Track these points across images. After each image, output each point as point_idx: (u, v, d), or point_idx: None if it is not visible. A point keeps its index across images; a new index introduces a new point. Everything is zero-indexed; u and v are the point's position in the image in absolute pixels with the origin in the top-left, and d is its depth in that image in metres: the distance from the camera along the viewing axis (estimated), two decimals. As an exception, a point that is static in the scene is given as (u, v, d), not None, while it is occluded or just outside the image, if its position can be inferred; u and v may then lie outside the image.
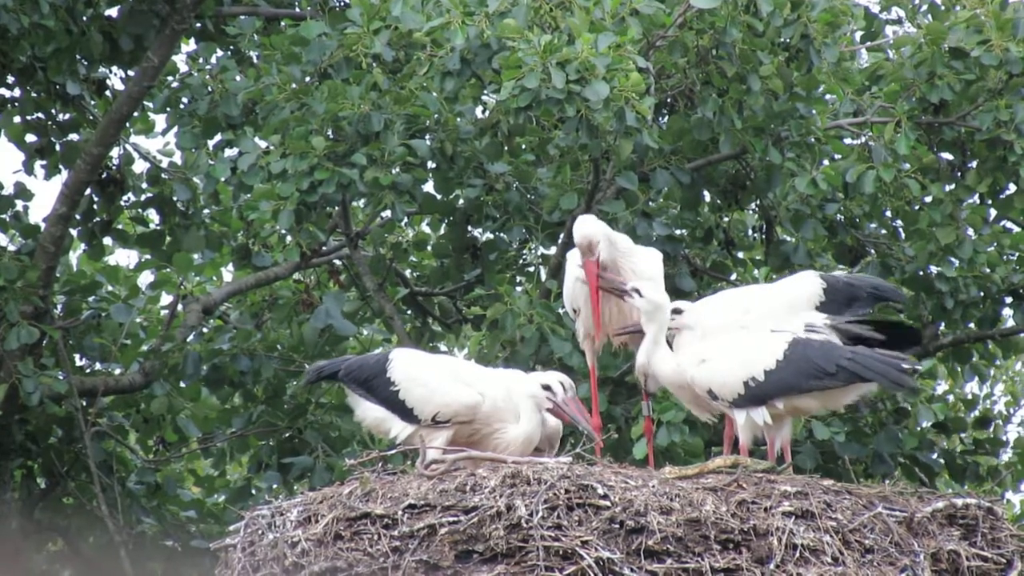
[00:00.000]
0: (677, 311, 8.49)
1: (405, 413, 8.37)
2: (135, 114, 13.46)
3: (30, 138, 13.58)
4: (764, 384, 8.03)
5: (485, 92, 11.62)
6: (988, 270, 12.29)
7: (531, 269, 12.73)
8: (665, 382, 8.45)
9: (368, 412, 8.50)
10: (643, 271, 8.73)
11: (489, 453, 8.07)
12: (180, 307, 13.58)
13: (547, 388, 8.38)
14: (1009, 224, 12.92)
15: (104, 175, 13.53)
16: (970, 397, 14.89)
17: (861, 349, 8.06)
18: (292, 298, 13.67)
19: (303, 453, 12.96)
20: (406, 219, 13.31)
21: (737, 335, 8.30)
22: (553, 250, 12.18)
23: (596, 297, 8.63)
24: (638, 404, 10.92)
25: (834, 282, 8.57)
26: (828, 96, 12.14)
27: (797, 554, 7.56)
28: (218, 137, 12.13)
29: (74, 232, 13.53)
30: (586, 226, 8.67)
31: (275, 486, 12.99)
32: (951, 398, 14.48)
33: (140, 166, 13.81)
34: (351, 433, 12.91)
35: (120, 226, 14.09)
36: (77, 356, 13.37)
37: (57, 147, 13.57)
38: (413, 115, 11.45)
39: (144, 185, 13.82)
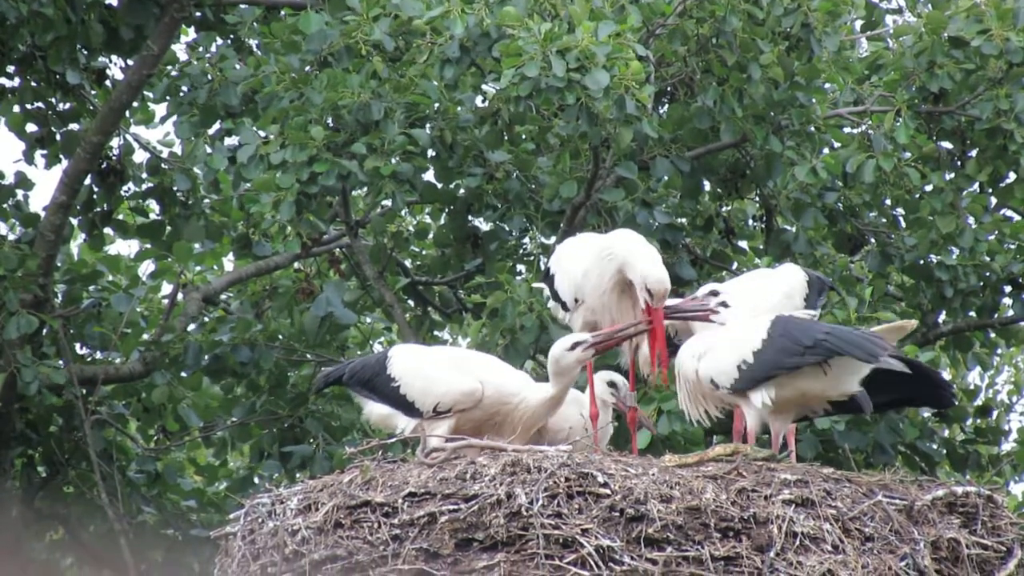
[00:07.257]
0: (714, 293, 8.45)
1: (407, 407, 8.37)
2: (135, 104, 13.44)
3: (30, 127, 13.58)
4: (754, 365, 7.98)
5: (485, 81, 11.60)
6: (988, 259, 12.28)
7: (531, 258, 12.72)
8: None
9: (374, 410, 8.51)
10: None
11: (489, 441, 8.05)
12: (180, 296, 13.57)
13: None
14: (1009, 213, 12.92)
15: (104, 165, 13.51)
16: (972, 388, 14.86)
17: (839, 327, 8.04)
18: (292, 287, 13.65)
19: (304, 442, 12.97)
20: (407, 208, 13.28)
21: (729, 325, 8.28)
22: (553, 239, 12.16)
23: (665, 349, 8.48)
24: (639, 391, 10.91)
25: (811, 273, 8.71)
26: (828, 85, 12.13)
27: (797, 542, 7.55)
28: (217, 126, 12.11)
29: (74, 221, 13.52)
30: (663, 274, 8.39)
31: (276, 475, 12.99)
32: (953, 387, 14.45)
33: (140, 156, 13.82)
34: (351, 422, 12.91)
35: (120, 216, 14.08)
36: (77, 345, 13.36)
37: (57, 136, 13.56)
38: (413, 103, 11.43)
39: (144, 175, 13.80)
